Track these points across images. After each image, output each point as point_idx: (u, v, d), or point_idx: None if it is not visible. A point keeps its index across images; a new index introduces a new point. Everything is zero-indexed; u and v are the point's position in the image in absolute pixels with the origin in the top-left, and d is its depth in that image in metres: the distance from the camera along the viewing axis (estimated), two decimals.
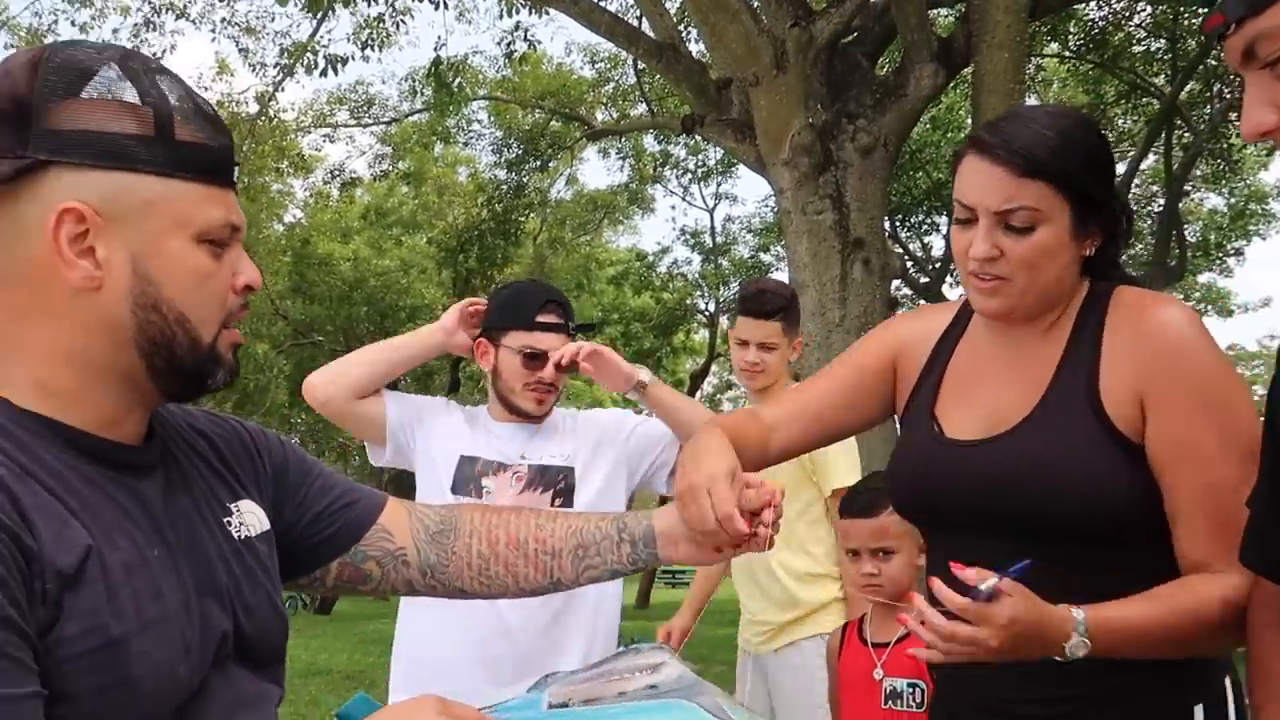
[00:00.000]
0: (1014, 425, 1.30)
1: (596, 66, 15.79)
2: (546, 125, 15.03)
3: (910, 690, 1.97)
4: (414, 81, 13.95)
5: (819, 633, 2.44)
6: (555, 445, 2.00)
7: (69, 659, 0.74)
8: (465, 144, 16.21)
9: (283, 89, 10.08)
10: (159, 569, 0.83)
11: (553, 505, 1.93)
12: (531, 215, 16.57)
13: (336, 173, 15.54)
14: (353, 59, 8.27)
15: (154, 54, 9.63)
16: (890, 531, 1.95)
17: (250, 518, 0.96)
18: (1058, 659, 1.13)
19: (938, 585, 1.11)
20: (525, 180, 14.99)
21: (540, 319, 1.97)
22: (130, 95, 0.82)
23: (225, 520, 0.94)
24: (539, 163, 15.19)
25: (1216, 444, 1.18)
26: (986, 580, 1.08)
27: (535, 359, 1.97)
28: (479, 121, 15.87)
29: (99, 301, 0.82)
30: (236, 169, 0.90)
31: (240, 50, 9.99)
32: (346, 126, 15.29)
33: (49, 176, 0.80)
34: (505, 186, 14.92)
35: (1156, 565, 1.21)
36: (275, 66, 9.67)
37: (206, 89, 18.45)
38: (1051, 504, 1.20)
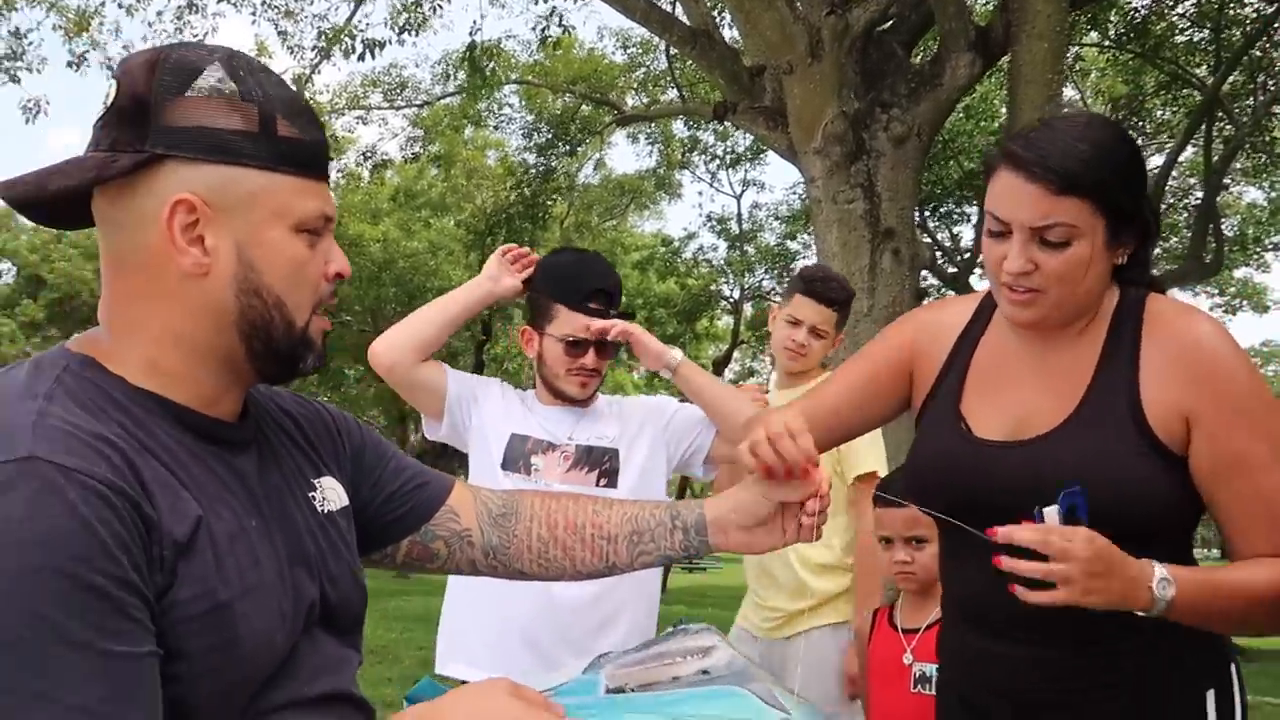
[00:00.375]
0: (1050, 429, 1.32)
1: (628, 51, 15.78)
2: (577, 110, 15.04)
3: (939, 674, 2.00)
4: (447, 65, 14.00)
5: (828, 623, 2.47)
6: (601, 427, 2.05)
7: (182, 621, 0.79)
8: (496, 128, 16.26)
9: (319, 71, 10.13)
10: (256, 539, 0.89)
11: (598, 484, 1.98)
12: (559, 199, 16.61)
13: (368, 154, 15.62)
14: (389, 43, 8.33)
15: (195, 36, 9.76)
16: (923, 520, 1.97)
17: (332, 494, 1.02)
18: (1140, 611, 1.16)
19: (1005, 530, 1.13)
20: (554, 164, 15.02)
21: (591, 305, 2.01)
22: (238, 94, 0.87)
23: (310, 495, 0.99)
24: (568, 147, 15.20)
25: (1268, 454, 1.24)
26: (1045, 509, 1.12)
27: (578, 346, 2.01)
28: (510, 105, 15.92)
29: (206, 287, 0.88)
30: (329, 163, 0.95)
31: (279, 33, 10.06)
32: (379, 109, 15.36)
33: (164, 170, 0.86)
34: (534, 170, 14.95)
35: (1177, 559, 1.25)
36: (313, 49, 9.73)
37: None
38: (1090, 507, 1.21)
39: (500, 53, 10.93)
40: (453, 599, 2.05)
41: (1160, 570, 1.17)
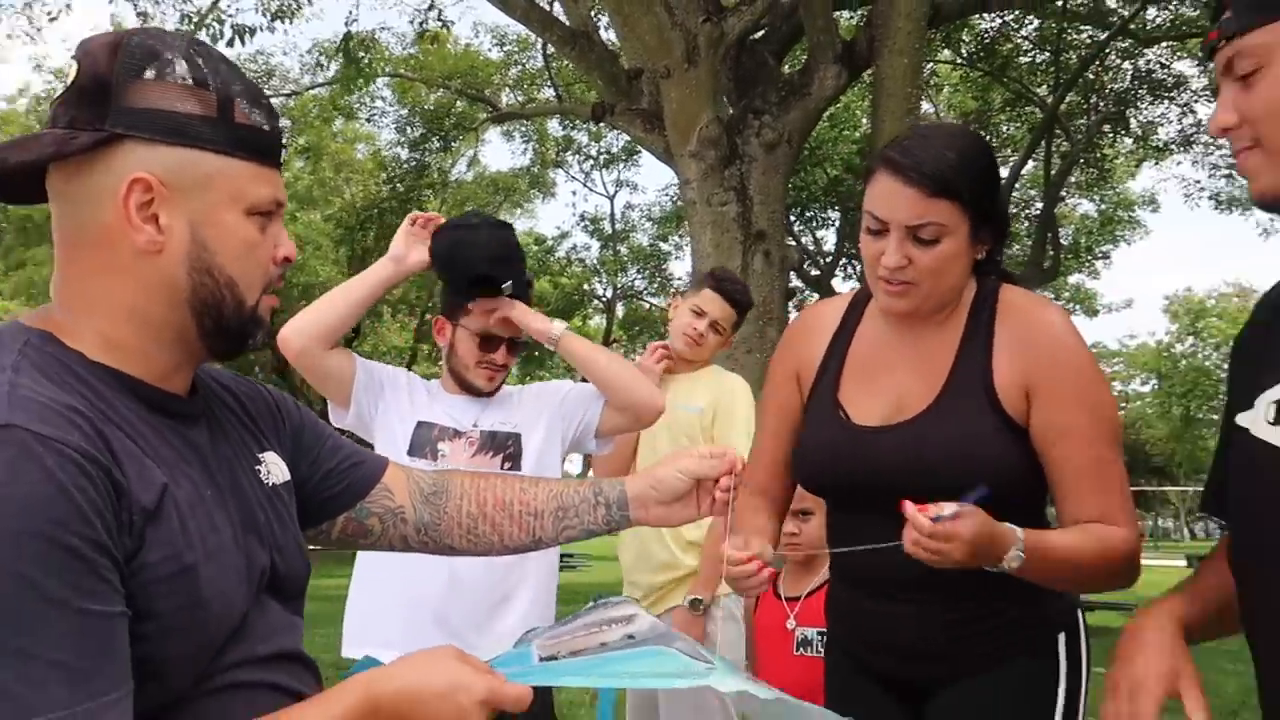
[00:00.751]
0: (918, 413, 1.46)
1: (504, 49, 15.73)
2: (451, 105, 14.89)
3: (819, 638, 2.18)
4: (319, 54, 13.64)
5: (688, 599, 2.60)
6: (504, 414, 2.12)
7: (152, 582, 0.83)
8: (368, 120, 15.93)
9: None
10: (213, 507, 0.93)
11: (502, 468, 2.05)
12: (432, 195, 16.39)
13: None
14: (260, 30, 8.09)
15: (48, 13, 9.19)
16: (808, 494, 2.14)
17: (275, 468, 1.06)
18: (989, 568, 1.31)
19: (911, 510, 1.27)
20: (427, 160, 14.83)
21: (492, 290, 2.05)
22: (198, 80, 0.91)
23: (256, 469, 1.03)
24: (442, 143, 15.04)
25: (1090, 425, 1.39)
26: (945, 509, 1.27)
27: (489, 341, 2.08)
28: (382, 99, 15.62)
29: (159, 264, 0.91)
30: (283, 151, 1.00)
31: (138, 14, 9.56)
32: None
33: (123, 149, 0.89)
34: (406, 165, 14.73)
35: (1031, 524, 1.39)
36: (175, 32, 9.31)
37: None
38: (953, 483, 1.35)
39: (375, 45, 10.73)
40: (360, 584, 2.08)
41: (1018, 547, 1.30)
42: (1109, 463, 1.39)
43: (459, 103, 14.91)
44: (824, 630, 2.26)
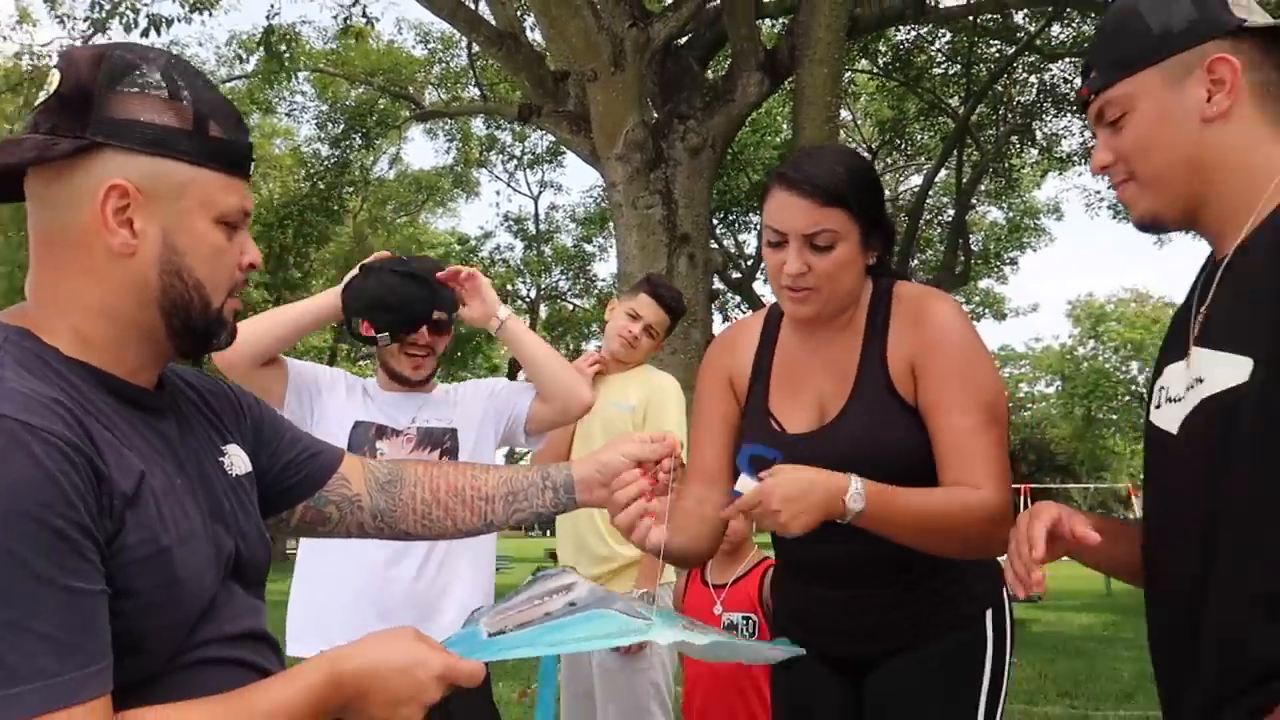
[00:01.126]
0: (836, 415, 1.58)
1: (429, 46, 15.60)
2: (374, 102, 14.71)
3: (744, 622, 2.31)
4: (238, 47, 13.33)
5: (628, 590, 2.67)
6: (439, 411, 2.17)
7: (131, 563, 0.89)
8: (288, 114, 15.62)
9: (91, 44, 9.39)
10: (183, 495, 0.98)
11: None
12: (354, 193, 16.17)
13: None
14: (177, 20, 7.90)
15: None
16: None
17: (238, 460, 1.11)
18: (838, 520, 1.37)
19: (723, 513, 1.38)
20: (349, 157, 14.62)
21: (404, 336, 2.09)
22: (175, 94, 0.96)
23: (220, 460, 1.09)
24: (364, 140, 14.85)
25: (963, 397, 1.49)
26: (741, 481, 1.36)
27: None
28: (302, 94, 15.34)
29: (132, 266, 0.96)
30: (252, 164, 1.05)
31: (46, 0, 9.25)
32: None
33: (101, 156, 0.93)
34: (327, 162, 14.50)
35: None
36: (85, 20, 9.03)
37: (5, 39, 16.81)
38: (875, 473, 1.44)
39: (296, 39, 10.56)
40: (302, 580, 2.11)
41: (855, 485, 1.36)
42: (980, 433, 1.48)
43: (382, 100, 14.74)
44: (749, 615, 2.39)
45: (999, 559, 1.64)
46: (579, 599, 1.14)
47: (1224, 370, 1.06)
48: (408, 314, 2.08)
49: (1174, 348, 1.18)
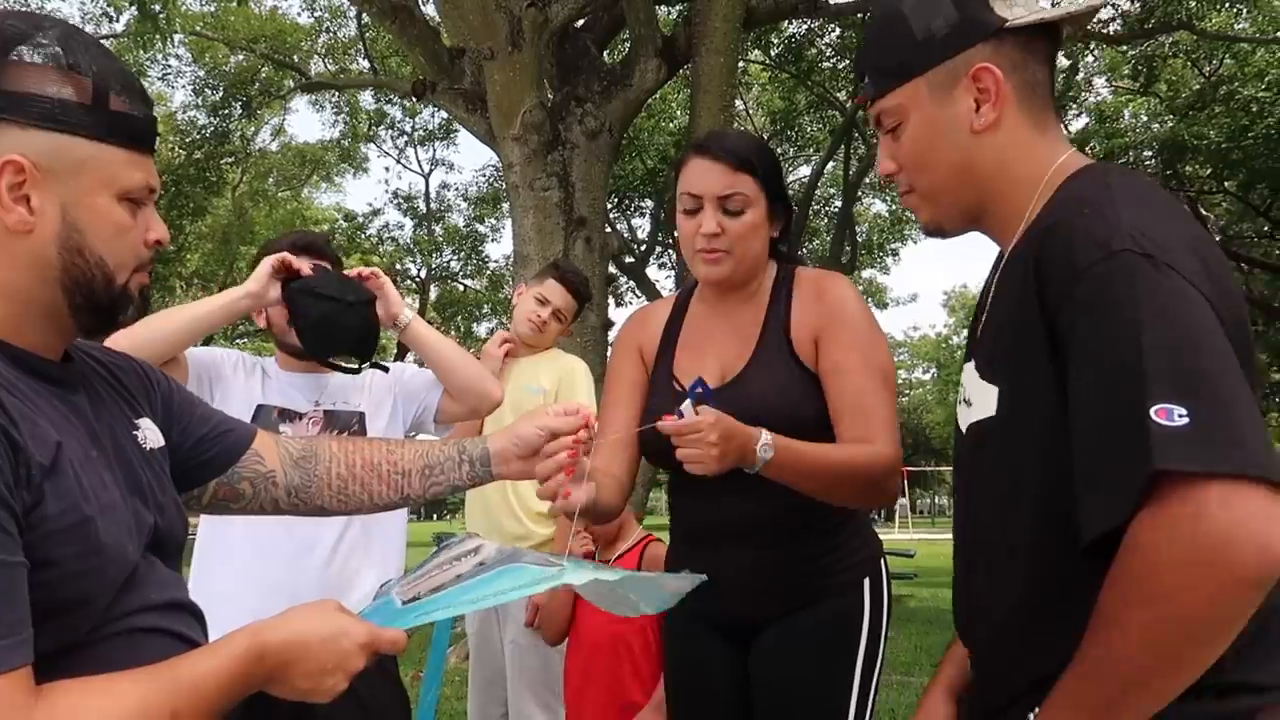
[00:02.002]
0: (737, 373, 1.70)
1: (315, 14, 15.04)
2: (256, 70, 14.11)
3: None
4: (105, 4, 12.54)
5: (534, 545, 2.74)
6: (346, 395, 2.12)
7: (53, 533, 0.87)
8: (162, 79, 14.83)
9: None
10: (100, 467, 0.96)
11: None
12: (234, 164, 15.51)
13: None
14: None
15: None
16: None
17: (151, 434, 1.10)
18: (749, 468, 1.45)
19: (661, 424, 1.42)
20: (229, 126, 14.01)
21: (333, 360, 2.08)
22: (73, 65, 0.93)
23: (134, 434, 1.07)
24: (245, 109, 14.24)
25: (861, 364, 1.63)
26: (685, 407, 1.42)
27: None
28: (177, 57, 14.58)
29: (31, 243, 0.94)
30: (156, 139, 1.02)
31: None
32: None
33: None
34: (204, 131, 13.86)
35: None
36: None
37: None
38: (772, 429, 1.52)
39: None
40: (202, 572, 2.01)
41: (765, 437, 1.45)
42: (874, 394, 1.62)
43: (264, 68, 14.16)
44: None
45: (878, 534, 1.84)
46: (488, 558, 1.15)
47: (981, 398, 1.09)
48: (364, 348, 2.08)
49: (969, 346, 1.21)
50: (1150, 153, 12.02)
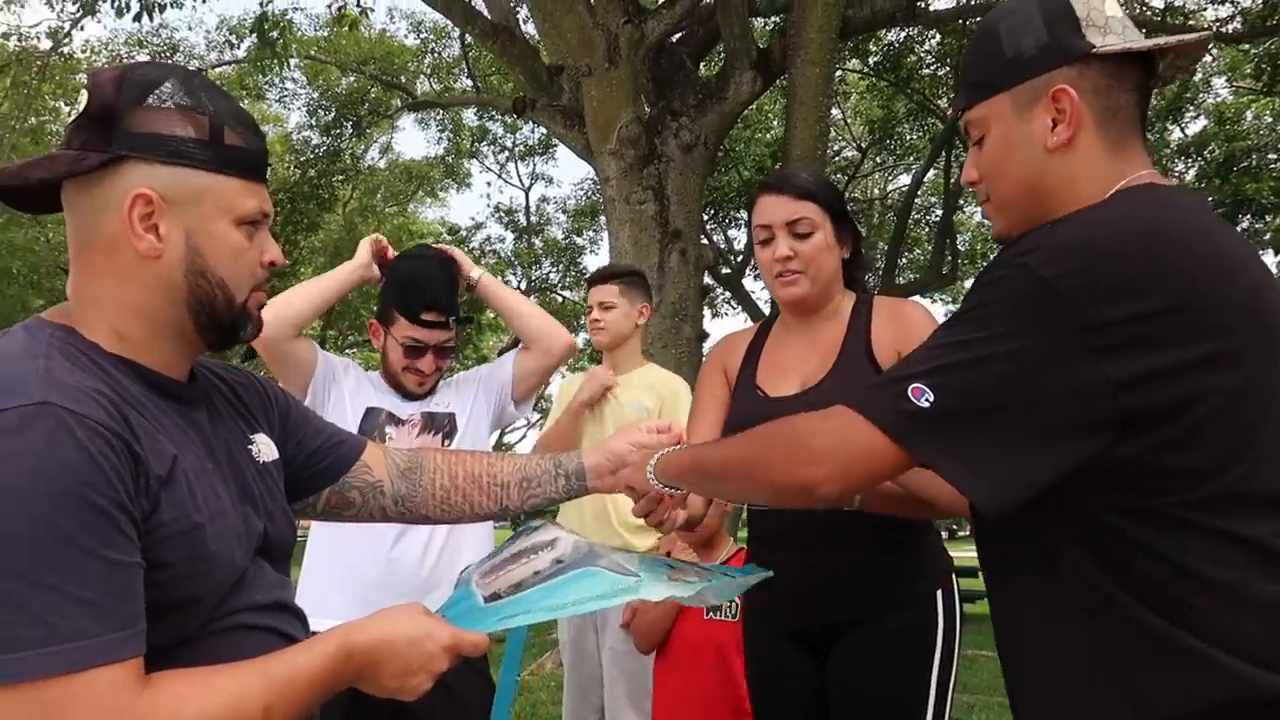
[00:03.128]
0: (819, 381, 1.81)
1: (421, 36, 15.57)
2: (366, 91, 14.68)
3: (729, 604, 2.40)
4: (228, 32, 13.27)
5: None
6: (441, 397, 2.30)
7: (167, 538, 0.97)
8: (278, 101, 15.56)
9: (81, 28, 9.37)
10: (214, 479, 1.06)
11: (441, 444, 2.22)
12: (344, 181, 16.13)
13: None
14: (170, 5, 7.87)
15: None
16: None
17: (265, 448, 1.20)
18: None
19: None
20: (341, 145, 14.59)
21: (424, 317, 2.22)
22: (192, 106, 1.04)
23: (249, 448, 1.17)
24: (355, 128, 14.82)
25: None
26: None
27: (416, 351, 2.23)
28: (293, 80, 15.27)
29: (159, 268, 1.04)
30: (268, 168, 1.12)
31: None
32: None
33: (126, 167, 1.02)
34: (318, 150, 14.47)
35: None
36: (75, 2, 8.96)
37: None
38: None
39: (289, 25, 10.53)
40: (311, 566, 2.18)
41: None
42: None
43: (373, 88, 14.72)
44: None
45: (948, 551, 1.89)
46: (564, 555, 1.19)
47: None
48: (450, 298, 2.25)
49: None
50: (1275, 155, 11.42)
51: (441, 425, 2.25)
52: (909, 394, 1.01)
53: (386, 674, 1.04)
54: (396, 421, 2.21)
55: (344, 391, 2.22)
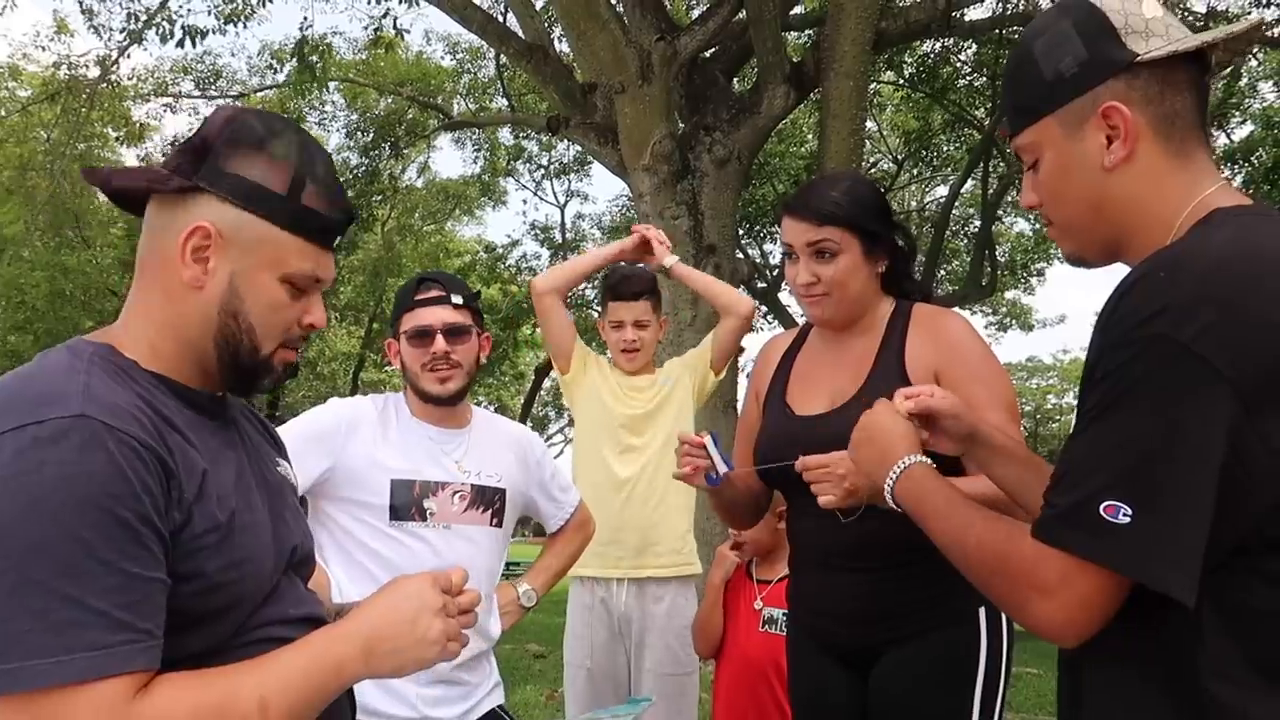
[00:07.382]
0: (848, 399, 1.77)
1: (457, 57, 15.77)
2: (403, 112, 14.88)
3: (783, 617, 2.38)
4: (269, 57, 13.54)
5: (688, 574, 2.79)
6: (485, 462, 2.14)
7: (199, 549, 0.99)
8: (318, 124, 15.83)
9: (128, 56, 9.61)
10: (246, 491, 1.09)
11: (490, 523, 2.12)
12: (383, 201, 16.35)
13: (175, 144, 14.81)
14: (212, 32, 8.05)
15: None
16: (778, 499, 2.31)
17: (289, 472, 1.24)
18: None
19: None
20: (379, 166, 14.79)
21: (419, 296, 2.11)
22: (282, 158, 1.07)
23: (276, 468, 1.20)
24: (393, 149, 15.02)
25: (987, 397, 1.67)
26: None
27: (422, 335, 2.09)
28: (332, 103, 15.53)
29: (199, 299, 1.08)
30: (342, 236, 1.15)
31: (84, 11, 9.44)
32: (190, 97, 14.62)
33: (201, 199, 1.07)
34: (357, 171, 14.68)
35: None
36: (122, 31, 9.21)
37: (43, 49, 17.19)
38: None
39: (328, 49, 10.73)
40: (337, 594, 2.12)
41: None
42: (1009, 428, 1.62)
43: (410, 109, 14.91)
44: (788, 611, 2.45)
45: None
46: None
47: None
48: (427, 276, 2.23)
49: None
50: None
51: (491, 502, 2.13)
52: (1102, 513, 0.94)
53: (389, 638, 1.03)
54: (432, 490, 2.06)
55: (357, 442, 2.06)
